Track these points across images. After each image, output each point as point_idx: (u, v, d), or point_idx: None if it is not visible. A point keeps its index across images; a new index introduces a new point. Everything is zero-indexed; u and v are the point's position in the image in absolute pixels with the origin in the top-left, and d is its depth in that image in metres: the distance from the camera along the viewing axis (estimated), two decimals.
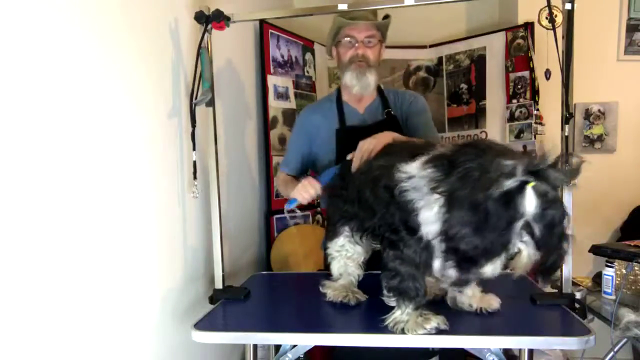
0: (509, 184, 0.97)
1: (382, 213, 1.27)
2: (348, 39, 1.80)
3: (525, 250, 1.03)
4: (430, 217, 1.12)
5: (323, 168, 1.86)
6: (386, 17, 1.83)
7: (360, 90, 1.81)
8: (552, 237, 1.02)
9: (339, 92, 1.92)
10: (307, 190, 1.63)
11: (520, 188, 0.97)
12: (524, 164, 0.98)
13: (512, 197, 0.97)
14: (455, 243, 1.02)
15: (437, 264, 1.17)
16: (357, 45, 1.79)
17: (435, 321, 1.21)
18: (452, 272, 1.14)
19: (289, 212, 1.77)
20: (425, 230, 1.14)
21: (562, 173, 0.99)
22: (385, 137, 1.51)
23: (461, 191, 1.02)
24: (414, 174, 1.17)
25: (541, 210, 0.98)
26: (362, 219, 1.37)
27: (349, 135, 1.80)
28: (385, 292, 1.27)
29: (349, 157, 1.55)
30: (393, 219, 1.23)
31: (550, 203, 1.00)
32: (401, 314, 1.24)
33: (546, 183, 0.98)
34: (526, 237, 1.02)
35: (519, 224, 0.99)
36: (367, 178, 1.35)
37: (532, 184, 0.97)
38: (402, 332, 1.21)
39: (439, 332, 1.20)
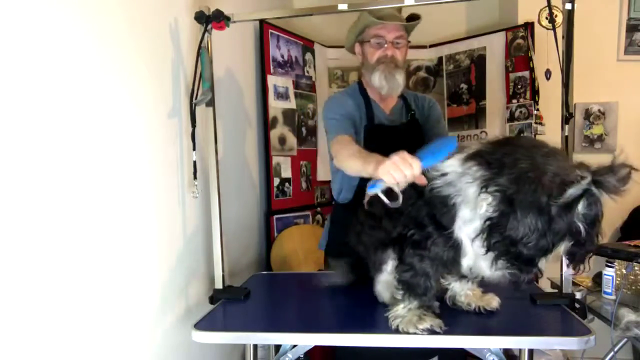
0: (574, 192, 0.99)
1: (408, 211, 1.23)
2: (376, 39, 1.74)
3: (562, 248, 1.06)
4: (468, 215, 1.12)
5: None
6: (415, 18, 1.76)
7: (389, 92, 1.76)
8: (592, 233, 1.05)
9: (360, 86, 1.85)
10: (400, 169, 1.16)
11: (582, 196, 1.00)
12: (590, 173, 1.00)
13: (575, 203, 1.00)
14: (520, 247, 1.03)
15: (466, 261, 1.18)
16: (386, 46, 1.73)
17: (429, 322, 1.20)
18: (486, 271, 1.16)
19: (370, 200, 1.25)
20: (461, 227, 1.14)
21: (620, 181, 1.00)
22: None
23: (522, 194, 1.01)
24: (449, 171, 1.16)
25: (587, 211, 1.01)
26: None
27: (377, 134, 1.77)
28: (395, 284, 1.27)
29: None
30: (419, 214, 1.20)
31: (597, 203, 1.02)
32: (403, 308, 1.25)
33: (605, 191, 1.00)
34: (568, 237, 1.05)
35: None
36: None
37: (593, 191, 0.99)
38: (397, 328, 1.22)
39: (438, 332, 1.20)
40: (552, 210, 1.00)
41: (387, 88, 1.74)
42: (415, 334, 1.20)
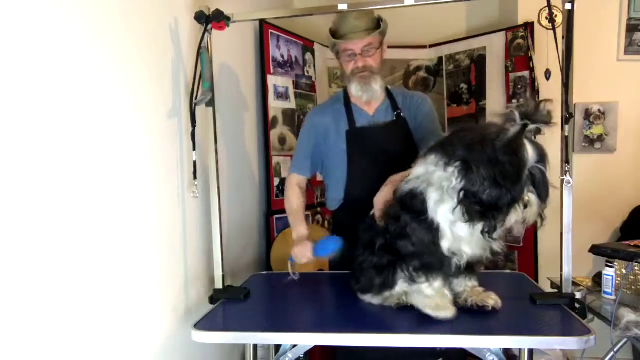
0: (514, 129, 1.15)
1: (387, 221, 1.35)
2: (346, 52, 1.79)
3: (533, 199, 1.19)
4: (436, 196, 1.24)
5: (331, 171, 1.89)
6: (380, 24, 1.78)
7: (368, 99, 1.83)
8: (545, 187, 1.20)
9: (345, 93, 1.90)
10: (300, 257, 1.74)
11: (522, 133, 1.15)
12: (518, 110, 1.17)
13: (518, 144, 1.15)
14: (478, 198, 1.15)
15: (445, 244, 1.27)
16: (356, 57, 1.78)
17: (446, 314, 1.28)
18: (466, 249, 1.27)
19: (292, 271, 1.79)
20: (434, 209, 1.24)
21: (546, 112, 1.17)
22: (394, 181, 1.52)
23: (474, 154, 1.16)
24: (414, 176, 1.31)
25: (538, 162, 1.17)
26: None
27: (359, 136, 1.83)
28: (414, 275, 1.33)
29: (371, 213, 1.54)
30: (397, 213, 1.32)
31: (543, 156, 1.18)
32: (428, 286, 1.32)
33: (539, 123, 1.17)
34: (531, 188, 1.18)
35: (526, 172, 1.15)
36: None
37: (529, 125, 1.16)
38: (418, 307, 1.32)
39: (441, 332, 1.22)
40: (500, 156, 1.13)
41: (365, 97, 1.81)
42: (437, 317, 1.28)
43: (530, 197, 1.18)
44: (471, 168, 1.16)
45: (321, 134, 1.88)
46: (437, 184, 1.24)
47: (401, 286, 1.39)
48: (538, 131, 1.19)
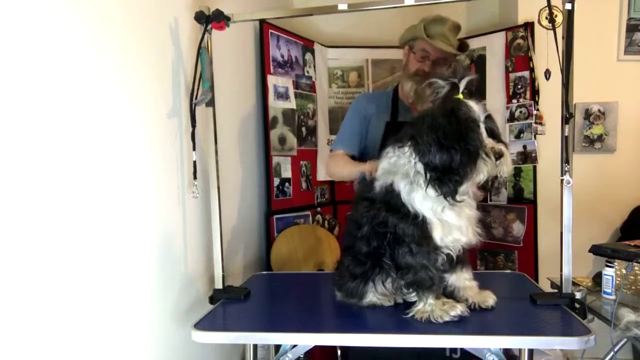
0: (444, 90, 1.23)
1: (370, 220, 1.35)
2: (422, 52, 1.85)
3: (505, 150, 1.22)
4: (406, 186, 1.27)
5: (365, 156, 1.92)
6: (464, 49, 1.88)
7: (414, 104, 1.88)
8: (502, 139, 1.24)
9: (396, 90, 1.99)
10: None
11: (453, 91, 1.22)
12: (443, 75, 1.25)
13: (453, 102, 1.20)
14: (434, 165, 1.19)
15: (437, 234, 1.27)
16: (427, 62, 1.84)
17: (460, 309, 1.28)
18: (459, 237, 1.28)
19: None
20: (408, 199, 1.27)
21: (469, 73, 1.26)
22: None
23: (418, 127, 1.23)
24: (380, 172, 1.34)
25: (487, 118, 1.22)
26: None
27: (398, 130, 1.86)
28: (404, 290, 1.35)
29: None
30: (379, 215, 1.32)
31: (489, 114, 1.24)
32: (424, 305, 1.31)
33: (466, 77, 1.23)
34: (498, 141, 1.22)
35: (480, 125, 1.20)
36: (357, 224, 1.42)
37: (462, 82, 1.22)
38: (429, 320, 1.27)
39: (441, 332, 1.21)
40: (439, 120, 1.19)
41: (413, 99, 1.86)
42: (452, 320, 1.27)
43: (502, 148, 1.21)
44: (418, 142, 1.21)
45: (366, 117, 1.94)
46: (403, 172, 1.27)
47: (370, 298, 1.40)
48: (470, 94, 1.25)
